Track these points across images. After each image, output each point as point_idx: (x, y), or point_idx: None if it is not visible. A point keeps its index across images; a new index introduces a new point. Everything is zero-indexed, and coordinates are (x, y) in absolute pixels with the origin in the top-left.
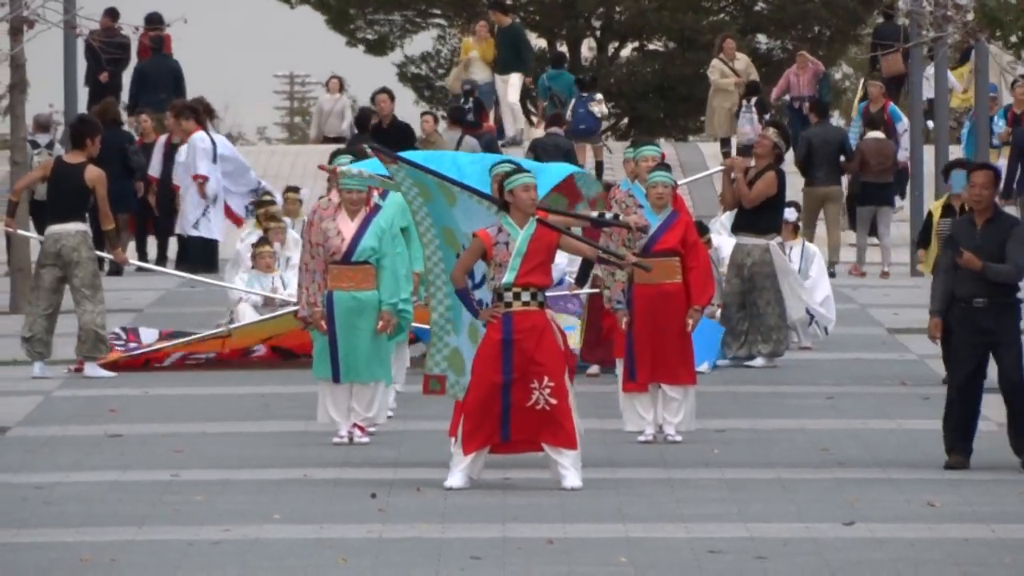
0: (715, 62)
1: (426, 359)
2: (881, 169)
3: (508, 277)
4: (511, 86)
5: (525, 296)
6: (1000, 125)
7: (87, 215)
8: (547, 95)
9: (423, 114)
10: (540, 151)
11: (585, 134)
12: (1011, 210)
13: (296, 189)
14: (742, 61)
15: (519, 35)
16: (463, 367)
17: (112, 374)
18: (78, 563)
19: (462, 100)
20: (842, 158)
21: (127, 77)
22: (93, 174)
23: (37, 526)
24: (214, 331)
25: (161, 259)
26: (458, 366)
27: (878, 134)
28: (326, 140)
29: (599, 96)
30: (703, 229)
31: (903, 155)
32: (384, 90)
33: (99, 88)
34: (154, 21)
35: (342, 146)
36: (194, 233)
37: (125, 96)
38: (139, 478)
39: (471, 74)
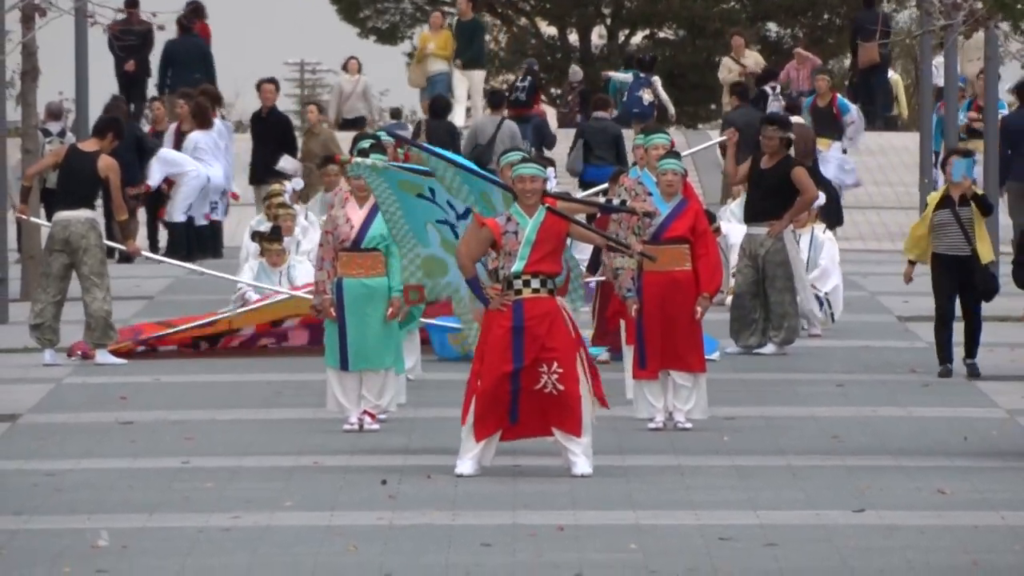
0: (726, 60)
1: (401, 272)
2: (801, 154)
3: (517, 266)
4: (474, 84)
5: (535, 283)
6: (962, 118)
7: (99, 205)
8: (615, 93)
9: (306, 104)
10: (588, 135)
11: (639, 117)
12: (1002, 201)
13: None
14: (751, 59)
15: (477, 30)
16: (445, 269)
17: (123, 361)
18: (89, 550)
19: (520, 78)
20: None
21: (155, 63)
22: (106, 163)
23: (48, 513)
24: (214, 319)
25: (171, 247)
26: (437, 270)
27: (797, 119)
28: (345, 122)
29: (655, 79)
30: (711, 218)
31: (847, 144)
32: (271, 80)
33: (128, 79)
34: (197, 11)
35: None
36: (182, 219)
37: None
38: (149, 465)
39: (429, 66)
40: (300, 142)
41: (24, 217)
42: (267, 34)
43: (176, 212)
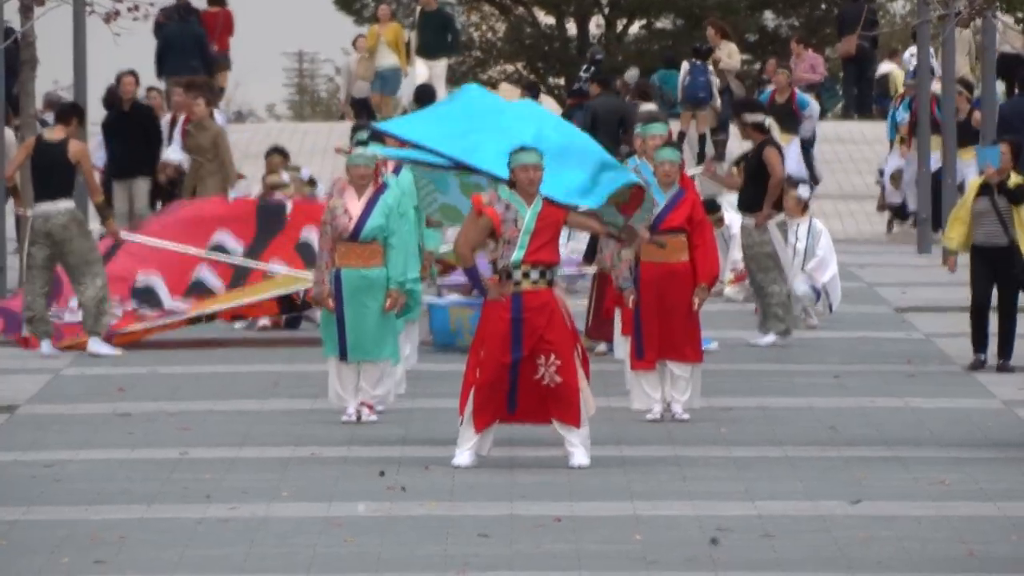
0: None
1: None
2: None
3: (517, 255)
4: (437, 75)
5: (534, 275)
6: (903, 118)
7: (90, 193)
8: (657, 94)
9: (195, 98)
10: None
11: (701, 103)
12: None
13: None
14: (724, 51)
15: (450, 19)
16: (459, 217)
17: (118, 351)
18: (88, 541)
19: (584, 68)
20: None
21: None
22: (76, 147)
23: (47, 504)
24: (198, 312)
25: None
26: (453, 216)
27: (650, 106)
28: (355, 102)
29: (710, 67)
30: (714, 207)
31: (806, 132)
32: (131, 72)
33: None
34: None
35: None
36: None
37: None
38: (147, 456)
39: (378, 60)
40: (189, 134)
41: (22, 213)
42: (265, 24)
43: None
